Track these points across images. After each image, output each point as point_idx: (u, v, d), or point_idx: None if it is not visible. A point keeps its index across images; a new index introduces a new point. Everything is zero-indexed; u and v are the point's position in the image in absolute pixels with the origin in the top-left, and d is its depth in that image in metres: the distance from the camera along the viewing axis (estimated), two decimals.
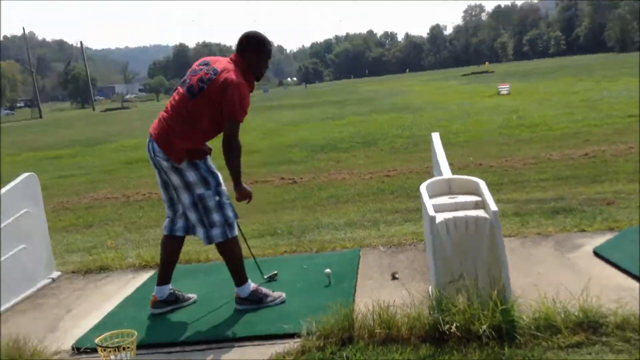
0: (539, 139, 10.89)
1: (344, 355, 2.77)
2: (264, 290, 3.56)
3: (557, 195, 6.11)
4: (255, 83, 3.48)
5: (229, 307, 3.58)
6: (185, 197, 3.40)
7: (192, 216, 3.40)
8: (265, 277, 3.99)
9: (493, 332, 2.75)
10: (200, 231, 3.43)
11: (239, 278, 3.52)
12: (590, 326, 2.78)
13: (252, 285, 3.54)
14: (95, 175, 12.38)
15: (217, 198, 3.36)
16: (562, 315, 2.85)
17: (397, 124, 15.87)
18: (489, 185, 6.75)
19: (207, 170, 3.39)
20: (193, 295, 3.82)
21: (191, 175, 3.35)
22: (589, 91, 19.64)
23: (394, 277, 3.84)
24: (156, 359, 3.03)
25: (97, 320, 3.61)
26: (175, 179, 3.39)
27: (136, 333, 3.05)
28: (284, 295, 3.57)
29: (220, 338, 3.14)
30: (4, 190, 4.21)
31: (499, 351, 2.66)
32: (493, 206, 3.03)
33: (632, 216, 4.72)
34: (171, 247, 3.64)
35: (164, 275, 3.64)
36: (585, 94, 18.83)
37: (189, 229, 3.57)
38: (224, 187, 3.43)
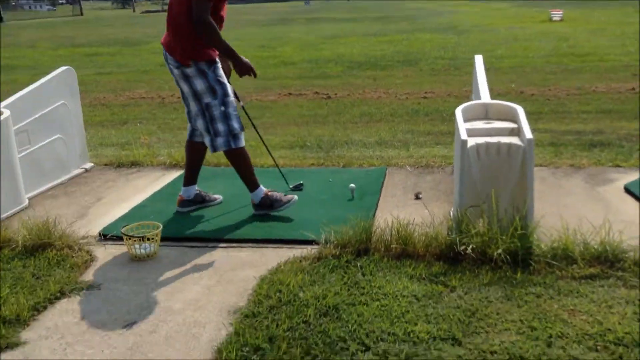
0: (587, 70, 10.41)
1: (359, 264, 2.83)
2: (276, 195, 3.60)
3: (597, 128, 5.91)
4: None
5: (252, 210, 3.66)
6: (193, 105, 3.42)
7: (200, 124, 3.42)
8: (290, 186, 4.04)
9: (508, 257, 2.76)
10: (206, 139, 3.46)
11: (250, 184, 3.57)
12: (607, 260, 2.76)
13: (263, 190, 3.59)
14: (133, 75, 12.45)
15: (222, 108, 3.34)
16: (581, 247, 2.83)
17: (440, 44, 15.32)
18: (527, 113, 6.57)
19: (215, 80, 3.33)
20: (219, 197, 3.91)
21: (199, 84, 3.32)
22: None
23: (417, 197, 3.84)
24: (178, 252, 3.15)
25: (126, 211, 3.76)
26: (185, 87, 3.39)
27: (161, 226, 3.17)
28: (295, 197, 3.61)
29: (241, 238, 3.24)
30: (42, 81, 4.28)
31: (511, 275, 2.68)
32: (528, 134, 2.94)
33: None
34: (193, 151, 3.70)
35: (190, 177, 3.73)
36: None
37: None
38: (231, 99, 3.40)
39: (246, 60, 3.40)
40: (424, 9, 37.52)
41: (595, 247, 2.83)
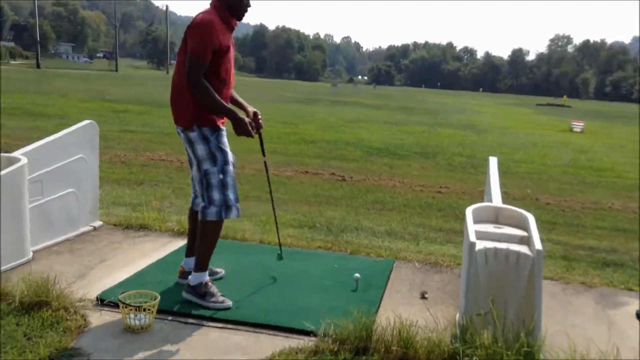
0: (604, 185, 10.42)
1: None
2: (214, 289, 3.36)
3: (611, 246, 5.83)
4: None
5: (252, 289, 3.60)
6: (194, 170, 3.44)
7: (199, 189, 3.40)
8: (282, 257, 3.99)
9: None
10: (200, 205, 3.39)
11: (201, 263, 3.39)
12: None
13: (206, 277, 3.39)
14: (156, 136, 12.72)
15: (220, 176, 3.30)
16: None
17: (460, 141, 15.55)
18: (541, 223, 6.51)
19: (217, 147, 3.30)
20: (221, 270, 3.84)
21: (200, 149, 3.30)
22: None
23: (423, 297, 3.76)
24: (172, 327, 3.06)
25: (127, 276, 3.70)
26: (188, 151, 3.40)
27: (159, 297, 3.11)
28: (229, 303, 3.32)
29: (237, 320, 3.15)
30: (64, 132, 4.36)
31: None
32: (538, 244, 2.90)
33: None
34: (196, 220, 3.59)
35: (192, 247, 3.66)
36: None
37: None
38: (231, 167, 3.37)
39: (245, 119, 3.33)
40: (447, 104, 38.49)
41: None
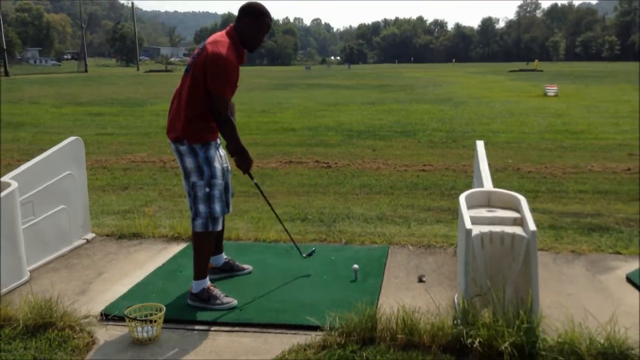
0: (582, 148, 10.61)
1: (364, 355, 2.79)
2: (216, 292, 3.44)
3: (595, 210, 5.98)
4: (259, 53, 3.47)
5: (254, 289, 3.65)
6: (184, 182, 3.48)
7: (188, 200, 3.46)
8: (304, 255, 4.06)
9: (515, 351, 2.73)
10: (190, 215, 3.47)
11: (199, 272, 3.45)
12: (614, 357, 2.74)
13: (207, 283, 3.47)
14: (135, 137, 12.61)
15: (207, 190, 3.36)
16: (587, 342, 2.81)
17: (438, 116, 15.66)
18: (525, 192, 6.65)
19: (205, 160, 3.36)
20: (248, 267, 4.00)
21: (189, 162, 3.36)
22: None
23: (420, 280, 3.84)
24: (179, 336, 3.10)
25: (127, 288, 3.73)
26: (179, 163, 3.47)
27: (164, 308, 3.14)
28: (234, 302, 3.41)
29: (244, 322, 3.20)
30: (50, 151, 4.34)
31: None
32: (532, 226, 2.99)
33: None
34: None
35: (215, 246, 3.76)
36: (635, 104, 18.23)
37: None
38: (219, 181, 3.41)
39: (251, 158, 3.54)
40: (421, 78, 38.59)
41: (602, 342, 2.81)
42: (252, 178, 3.72)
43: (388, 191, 7.31)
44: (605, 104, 18.70)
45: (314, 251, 4.15)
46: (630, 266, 4.02)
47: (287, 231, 4.10)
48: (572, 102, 19.52)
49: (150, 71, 63.87)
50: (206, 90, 3.28)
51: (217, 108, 3.28)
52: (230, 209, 3.75)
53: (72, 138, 4.53)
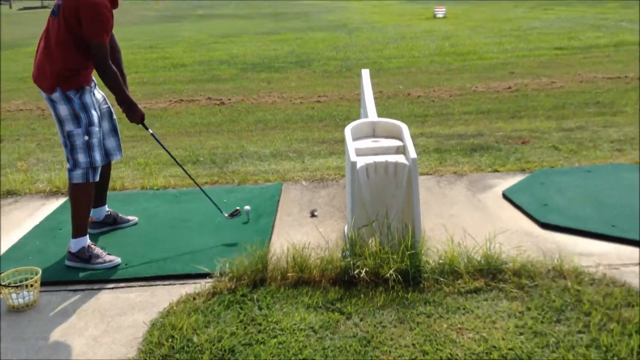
0: (468, 69, 11.02)
1: (255, 297, 2.80)
2: (98, 250, 3.26)
3: (477, 130, 6.27)
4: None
5: (141, 242, 3.51)
6: (59, 132, 3.24)
7: (65, 151, 3.23)
8: (226, 215, 3.73)
9: (400, 277, 2.85)
10: (67, 167, 3.25)
11: (78, 228, 3.25)
12: (490, 272, 2.93)
13: (87, 241, 3.28)
14: (9, 83, 11.55)
15: (85, 137, 3.15)
16: (465, 261, 2.98)
17: (333, 44, 15.57)
18: (414, 117, 6.79)
19: (81, 107, 3.14)
20: (134, 218, 3.82)
21: (63, 110, 3.13)
22: (521, 19, 19.91)
23: (312, 215, 3.87)
24: (60, 298, 2.95)
25: (2, 251, 3.46)
26: (52, 112, 3.22)
27: (40, 271, 2.95)
28: (117, 260, 3.25)
29: (129, 277, 3.08)
30: None
31: (403, 295, 2.77)
32: (412, 153, 3.05)
33: (543, 157, 4.93)
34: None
35: (97, 198, 3.53)
36: (517, 22, 19.08)
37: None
38: (96, 128, 3.20)
39: (140, 108, 3.35)
40: (316, 4, 37.92)
41: (478, 259, 3.00)
42: (147, 128, 3.49)
43: (283, 126, 7.25)
44: (489, 23, 19.40)
45: (237, 211, 3.76)
46: (507, 183, 4.28)
47: (200, 187, 3.82)
48: (459, 23, 20.08)
49: (25, 8, 57.92)
50: (78, 36, 3.04)
51: (97, 56, 3.07)
52: (122, 154, 3.57)
53: None
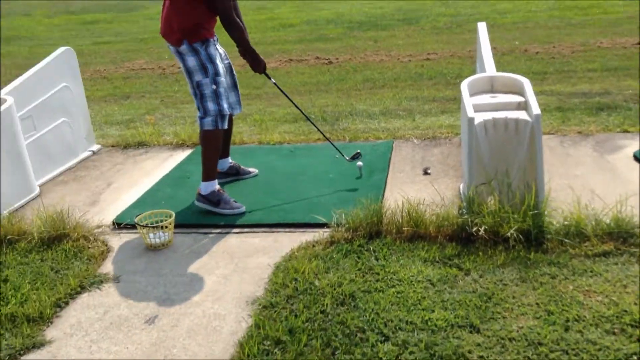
0: (591, 23, 10.21)
1: (371, 248, 2.86)
2: (226, 196, 3.44)
3: (603, 89, 5.85)
4: None
5: (262, 192, 3.68)
6: (188, 83, 3.44)
7: (195, 101, 3.42)
8: (347, 158, 3.94)
9: (521, 236, 2.78)
10: (197, 115, 3.45)
11: (208, 173, 3.44)
12: (620, 236, 2.77)
13: (217, 186, 3.46)
14: (131, 44, 12.27)
15: (213, 87, 3.32)
16: (593, 223, 2.84)
17: None
18: (532, 74, 6.46)
19: (207, 58, 3.31)
20: (254, 170, 4.01)
21: (191, 61, 3.32)
22: None
23: (425, 172, 3.84)
24: (192, 239, 3.18)
25: (137, 196, 3.77)
26: (180, 65, 3.41)
27: (174, 213, 3.18)
28: (242, 208, 3.41)
29: (253, 223, 3.26)
30: (41, 64, 4.23)
31: (525, 255, 2.70)
32: (536, 109, 2.91)
33: None
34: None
35: (221, 151, 3.74)
36: None
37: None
38: (222, 78, 3.37)
39: (262, 59, 3.51)
40: None
41: (608, 222, 2.84)
42: (269, 78, 3.68)
43: (392, 84, 7.16)
44: None
45: (359, 153, 3.96)
46: (638, 144, 3.98)
47: (323, 134, 4.05)
48: None
49: None
50: None
51: (221, 10, 3.26)
52: (241, 108, 3.75)
53: (62, 49, 4.39)
